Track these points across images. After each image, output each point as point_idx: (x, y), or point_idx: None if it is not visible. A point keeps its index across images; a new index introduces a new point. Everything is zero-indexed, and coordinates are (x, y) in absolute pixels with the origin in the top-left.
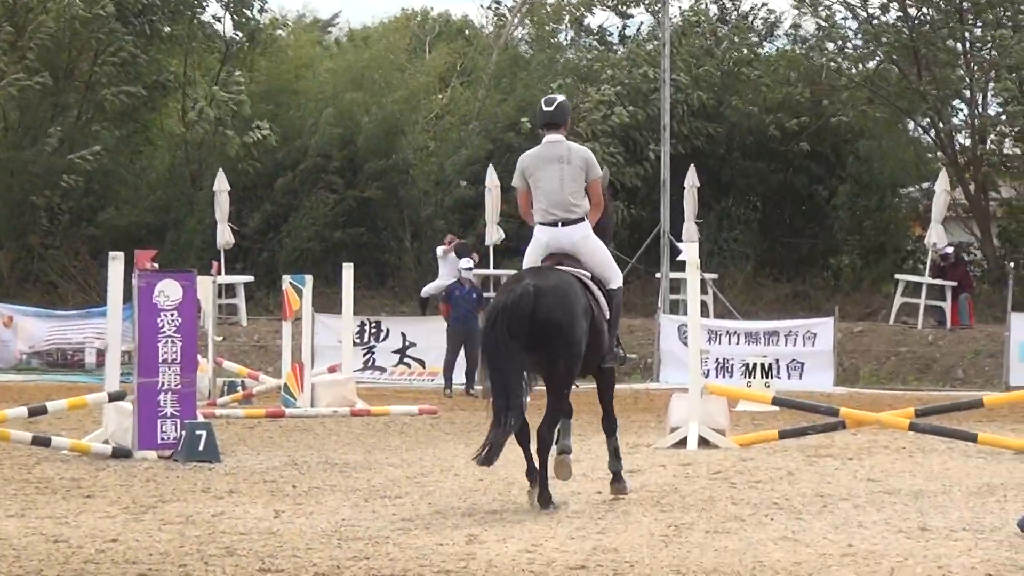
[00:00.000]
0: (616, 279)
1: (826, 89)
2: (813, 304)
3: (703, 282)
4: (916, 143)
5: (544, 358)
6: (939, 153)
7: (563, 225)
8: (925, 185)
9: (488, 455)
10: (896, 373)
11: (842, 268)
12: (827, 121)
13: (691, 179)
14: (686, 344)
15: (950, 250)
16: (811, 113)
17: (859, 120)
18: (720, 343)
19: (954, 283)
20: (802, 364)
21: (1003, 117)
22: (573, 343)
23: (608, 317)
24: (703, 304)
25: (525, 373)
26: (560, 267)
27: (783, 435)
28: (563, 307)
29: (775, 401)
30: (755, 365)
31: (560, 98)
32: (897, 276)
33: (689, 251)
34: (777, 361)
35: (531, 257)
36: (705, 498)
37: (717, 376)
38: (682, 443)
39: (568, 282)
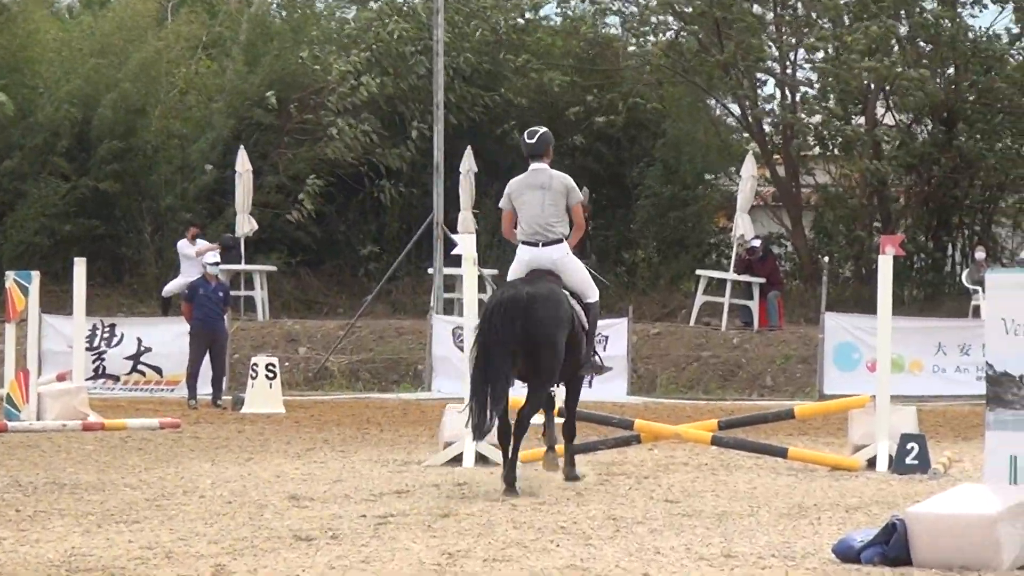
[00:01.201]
0: (593, 294)
1: (618, 65)
2: (605, 303)
3: (481, 279)
4: (721, 124)
5: (530, 359)
6: (745, 134)
7: (543, 245)
8: (731, 171)
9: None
10: (697, 380)
11: (638, 263)
12: (619, 100)
13: (467, 163)
14: (462, 349)
15: (757, 243)
16: (605, 91)
17: (647, 97)
18: None
19: (762, 279)
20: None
21: (816, 85)
22: (558, 347)
23: (586, 328)
24: (481, 304)
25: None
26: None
27: (569, 451)
28: (553, 313)
29: (562, 412)
30: None
31: (542, 130)
32: (699, 272)
33: (465, 243)
34: None
35: (514, 273)
36: (483, 522)
37: None
38: (457, 460)
39: (557, 291)
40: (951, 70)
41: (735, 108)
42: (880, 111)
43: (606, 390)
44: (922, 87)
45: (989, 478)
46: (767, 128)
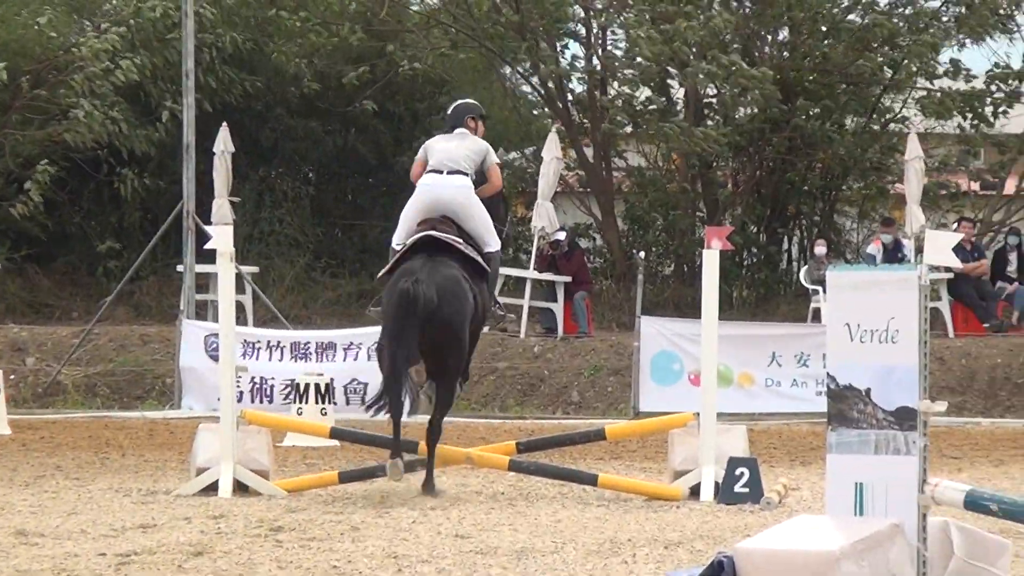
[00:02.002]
0: (494, 243)
1: (392, 30)
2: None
3: (239, 278)
4: (520, 97)
5: (435, 359)
6: (546, 108)
7: (448, 173)
8: (531, 150)
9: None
10: (493, 396)
11: None
12: (396, 72)
13: (222, 143)
14: (216, 359)
15: (562, 236)
16: (377, 61)
17: (438, 67)
18: (260, 358)
19: (568, 278)
20: (365, 385)
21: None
22: (463, 344)
23: (485, 280)
24: (239, 306)
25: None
26: (440, 238)
27: (345, 478)
28: (457, 309)
29: (333, 433)
30: (307, 386)
31: (457, 102)
32: None
33: (221, 236)
34: (332, 381)
35: (408, 214)
36: (243, 561)
37: (256, 401)
38: (212, 489)
39: (457, 281)
40: (784, 32)
41: (536, 80)
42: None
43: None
44: (761, 86)
45: (831, 508)
46: (573, 103)
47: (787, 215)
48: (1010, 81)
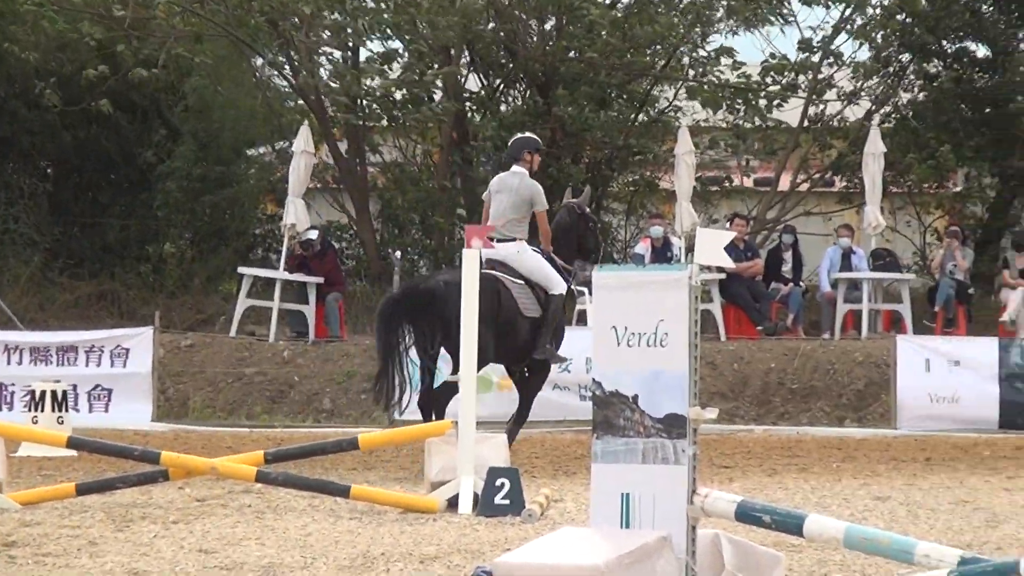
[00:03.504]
0: (556, 287)
1: (138, 17)
2: (125, 309)
3: None
4: (270, 87)
5: (448, 342)
6: (299, 101)
7: (498, 242)
8: (280, 145)
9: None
10: (240, 403)
11: (165, 259)
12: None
13: None
14: None
15: (314, 234)
16: (137, 45)
17: (181, 60)
18: None
19: (320, 280)
20: (109, 391)
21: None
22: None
23: (541, 316)
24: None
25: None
26: (485, 270)
27: (83, 489)
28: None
29: (71, 443)
30: (43, 393)
31: (519, 136)
32: (241, 270)
33: None
34: (75, 387)
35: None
36: None
37: None
38: None
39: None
40: (551, 23)
41: (288, 71)
42: (463, 72)
43: (125, 415)
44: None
45: (596, 520)
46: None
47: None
48: (786, 73)
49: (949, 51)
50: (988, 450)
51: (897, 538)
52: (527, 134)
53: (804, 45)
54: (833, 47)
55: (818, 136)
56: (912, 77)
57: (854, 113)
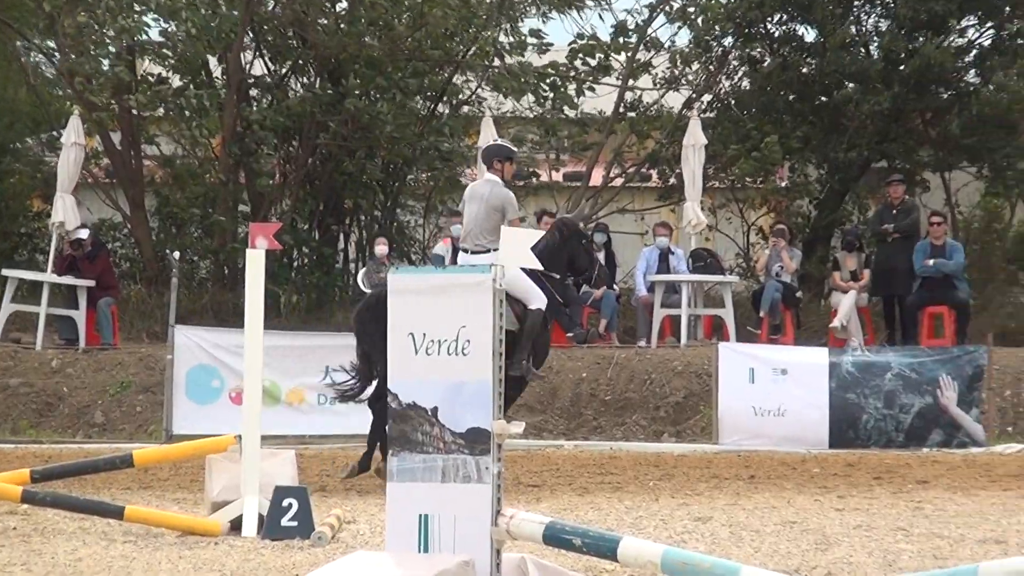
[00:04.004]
0: (534, 301)
1: None
2: None
3: None
4: (39, 75)
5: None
6: (68, 89)
7: (471, 253)
8: (48, 136)
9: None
10: (3, 416)
11: None
12: None
13: None
14: None
15: (85, 234)
16: None
17: None
18: None
19: (91, 282)
20: None
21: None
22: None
23: (518, 331)
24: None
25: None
26: None
27: None
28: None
29: None
30: None
31: (491, 143)
32: (6, 272)
33: None
34: None
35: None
36: None
37: None
38: None
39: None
40: (343, 5)
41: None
42: (248, 56)
43: None
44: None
45: (392, 544)
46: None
47: (343, 210)
48: (597, 54)
49: (775, 34)
50: (817, 467)
51: (719, 562)
52: (498, 141)
53: (619, 29)
54: (651, 31)
55: (633, 126)
56: (735, 63)
57: (673, 102)
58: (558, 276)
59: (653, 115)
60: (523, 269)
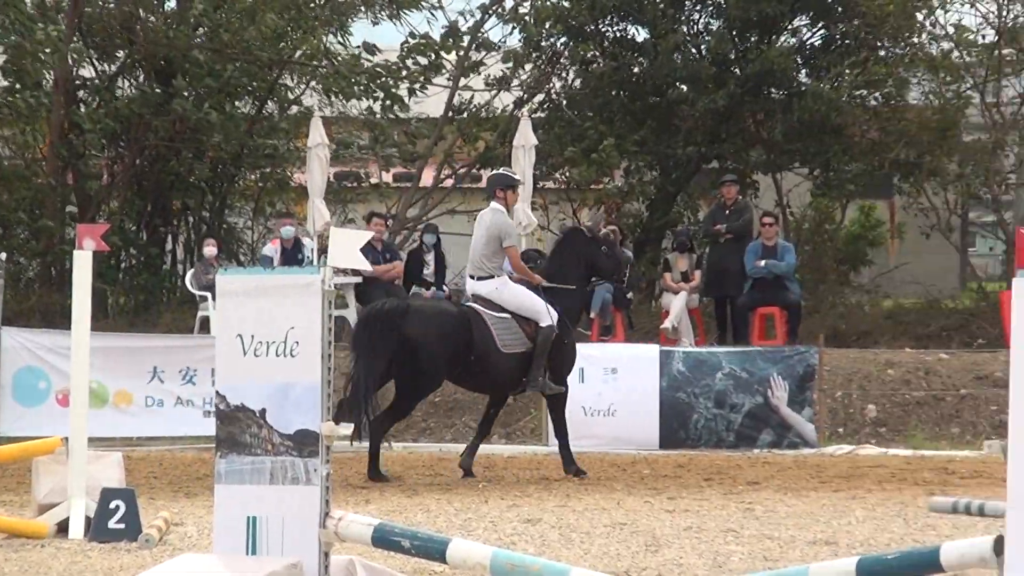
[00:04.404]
0: (544, 319)
1: None
2: None
3: None
4: None
5: (402, 367)
6: None
7: (476, 279)
8: None
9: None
10: None
11: None
12: None
13: None
14: None
15: None
16: None
17: None
18: None
19: None
20: None
21: None
22: (423, 359)
23: (530, 350)
24: None
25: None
26: (467, 303)
27: None
28: (423, 327)
29: None
30: None
31: (493, 172)
32: None
33: None
34: None
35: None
36: None
37: None
38: None
39: (440, 309)
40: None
41: None
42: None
43: None
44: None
45: (220, 547)
46: None
47: (171, 211)
48: (429, 53)
49: (607, 35)
50: (648, 468)
51: (548, 564)
52: (502, 170)
53: (451, 30)
54: (483, 32)
55: (464, 128)
56: (567, 63)
57: (504, 103)
58: (574, 287)
59: (484, 116)
60: (529, 287)
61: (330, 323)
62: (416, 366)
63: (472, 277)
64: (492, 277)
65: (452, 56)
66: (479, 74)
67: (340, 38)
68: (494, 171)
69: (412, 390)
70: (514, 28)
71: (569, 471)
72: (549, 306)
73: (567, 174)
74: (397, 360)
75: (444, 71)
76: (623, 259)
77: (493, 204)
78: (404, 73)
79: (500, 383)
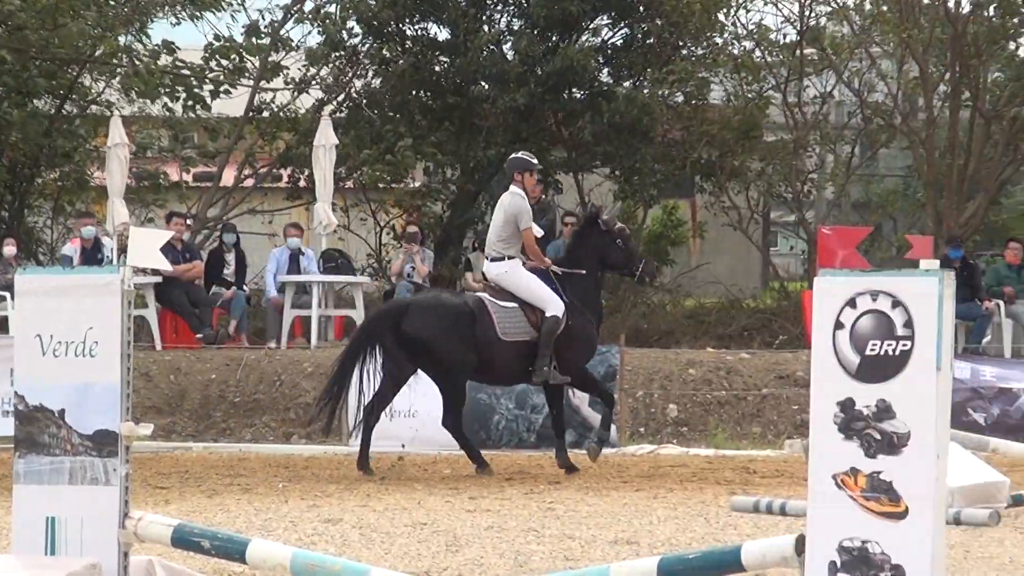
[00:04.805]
0: (550, 308)
1: None
2: None
3: None
4: None
5: (428, 364)
6: None
7: (490, 260)
8: None
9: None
10: None
11: None
12: None
13: None
14: None
15: None
16: None
17: None
18: None
19: None
20: None
21: None
22: (438, 353)
23: (535, 338)
24: None
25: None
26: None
27: None
28: (427, 323)
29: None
30: None
31: (511, 156)
32: None
33: None
34: None
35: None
36: None
37: None
38: None
39: (442, 302)
40: None
41: None
42: None
43: None
44: None
45: (18, 547)
46: None
47: None
48: (232, 56)
49: (408, 34)
50: (449, 468)
51: (348, 564)
52: (520, 154)
53: (251, 29)
54: (284, 31)
55: (263, 128)
56: (367, 62)
57: (307, 103)
58: (584, 272)
59: (285, 117)
60: (538, 273)
61: (129, 323)
62: (436, 361)
63: (488, 257)
64: (504, 259)
65: (255, 59)
66: (281, 75)
67: (138, 37)
68: (512, 155)
69: (451, 381)
70: (314, 27)
71: (562, 464)
72: (558, 297)
73: (366, 176)
74: (413, 359)
75: (247, 73)
76: (635, 254)
77: (512, 187)
78: (208, 75)
79: (502, 372)
